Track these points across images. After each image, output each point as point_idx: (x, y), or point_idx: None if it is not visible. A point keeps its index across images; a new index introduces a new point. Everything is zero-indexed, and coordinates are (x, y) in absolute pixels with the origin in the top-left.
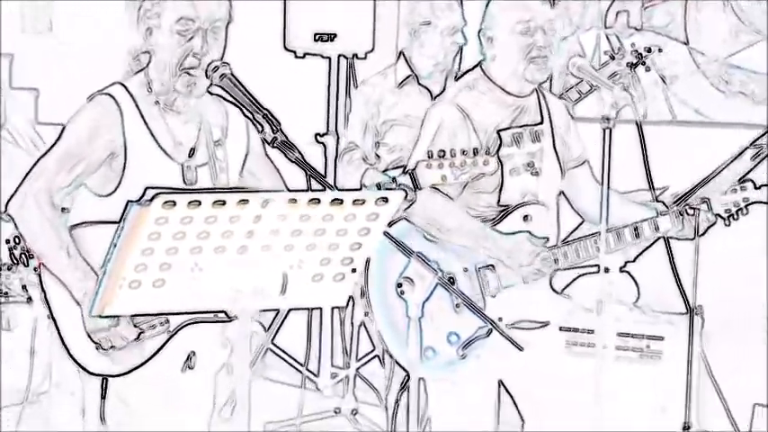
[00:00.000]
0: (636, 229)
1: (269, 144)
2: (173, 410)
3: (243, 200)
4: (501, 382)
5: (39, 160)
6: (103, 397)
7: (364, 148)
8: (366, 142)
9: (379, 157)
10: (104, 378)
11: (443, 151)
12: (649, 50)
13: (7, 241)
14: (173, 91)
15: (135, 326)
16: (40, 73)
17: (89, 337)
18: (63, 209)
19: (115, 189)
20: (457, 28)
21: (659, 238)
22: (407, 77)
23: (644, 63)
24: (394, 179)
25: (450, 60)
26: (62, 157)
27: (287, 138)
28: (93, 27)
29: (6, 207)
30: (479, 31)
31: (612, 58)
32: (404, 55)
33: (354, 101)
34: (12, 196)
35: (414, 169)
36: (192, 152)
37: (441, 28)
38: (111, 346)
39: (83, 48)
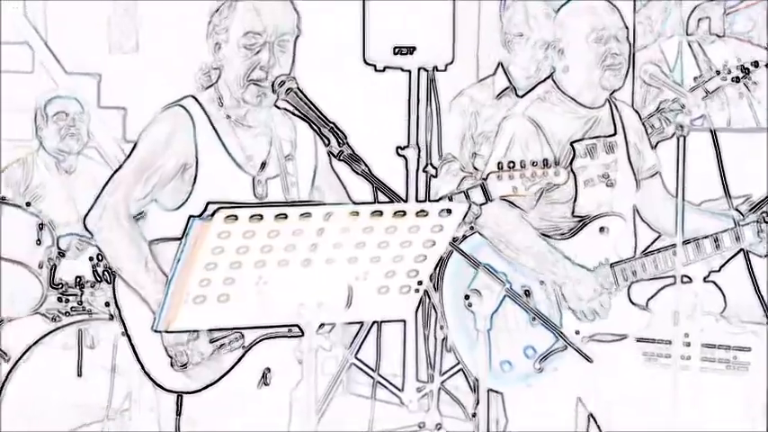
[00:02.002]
0: (716, 240)
1: (335, 157)
2: (249, 427)
3: (305, 213)
4: (579, 398)
5: (114, 173)
6: (179, 414)
7: (462, 159)
8: (464, 154)
9: (476, 169)
10: (179, 395)
11: (513, 163)
12: (756, 65)
13: (90, 258)
14: (243, 103)
15: (211, 341)
16: (128, 92)
17: (166, 351)
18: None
19: (186, 200)
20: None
21: (740, 250)
22: (505, 89)
23: (749, 78)
24: (464, 191)
25: (544, 75)
26: (138, 167)
27: (353, 151)
28: (179, 46)
29: (84, 221)
30: (549, 44)
31: (718, 73)
32: (502, 66)
33: (451, 112)
34: (89, 210)
35: (485, 181)
36: (263, 166)
37: (533, 41)
38: (185, 364)
39: (169, 67)
